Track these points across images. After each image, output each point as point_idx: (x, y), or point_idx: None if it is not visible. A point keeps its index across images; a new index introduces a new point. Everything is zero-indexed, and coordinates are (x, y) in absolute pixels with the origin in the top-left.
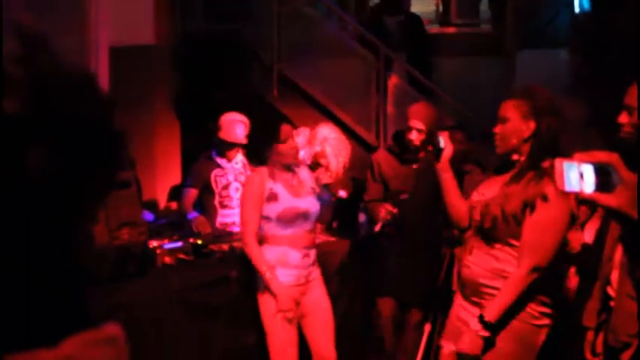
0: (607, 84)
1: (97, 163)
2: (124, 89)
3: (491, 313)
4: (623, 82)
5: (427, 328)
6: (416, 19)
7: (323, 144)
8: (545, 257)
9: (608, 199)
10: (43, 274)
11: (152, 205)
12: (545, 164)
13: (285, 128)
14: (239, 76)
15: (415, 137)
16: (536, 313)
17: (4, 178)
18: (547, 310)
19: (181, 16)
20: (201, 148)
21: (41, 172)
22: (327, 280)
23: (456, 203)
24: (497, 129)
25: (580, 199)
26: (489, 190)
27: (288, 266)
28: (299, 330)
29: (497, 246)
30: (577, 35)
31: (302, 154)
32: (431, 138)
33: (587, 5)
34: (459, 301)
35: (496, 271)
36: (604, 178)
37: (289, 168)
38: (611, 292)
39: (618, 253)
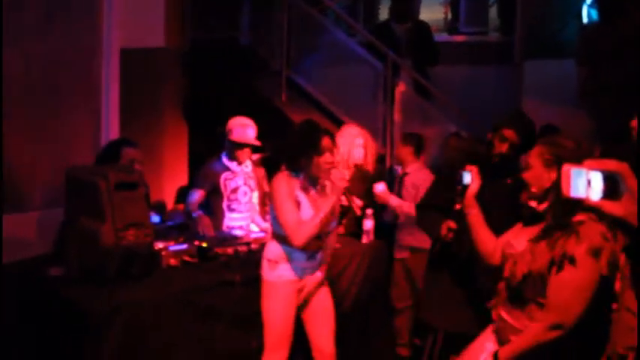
0: (614, 94)
1: None
2: (133, 90)
3: (504, 354)
4: (630, 92)
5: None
6: (424, 27)
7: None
8: (569, 316)
9: (614, 208)
10: None
11: (159, 207)
12: (575, 219)
13: (325, 141)
14: (247, 82)
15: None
16: None
17: None
18: None
19: (191, 22)
20: (208, 152)
21: None
22: (331, 282)
23: (484, 240)
24: (524, 174)
25: (586, 206)
26: (518, 242)
27: (291, 263)
28: (298, 323)
29: (528, 304)
30: (585, 46)
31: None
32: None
33: (595, 16)
34: (493, 346)
35: (523, 327)
36: (612, 186)
37: (315, 181)
38: (613, 304)
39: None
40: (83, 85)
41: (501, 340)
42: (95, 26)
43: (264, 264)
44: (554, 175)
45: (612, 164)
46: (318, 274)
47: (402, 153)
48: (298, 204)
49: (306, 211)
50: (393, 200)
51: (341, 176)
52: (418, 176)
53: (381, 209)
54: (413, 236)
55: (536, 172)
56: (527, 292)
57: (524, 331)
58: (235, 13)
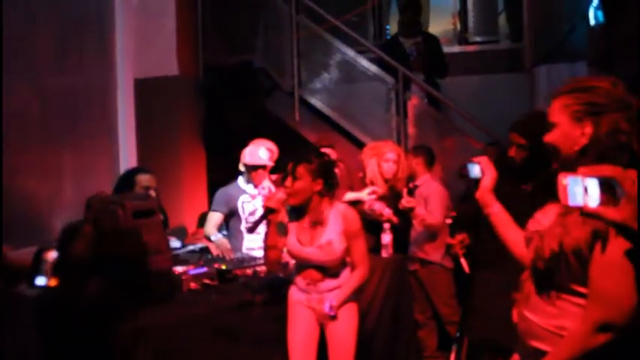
0: None
1: (135, 290)
2: (149, 119)
3: None
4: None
5: (455, 348)
6: (433, 40)
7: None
8: (621, 310)
9: (613, 213)
10: None
11: (180, 232)
12: None
13: (288, 166)
14: (261, 104)
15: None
16: None
17: (71, 298)
18: None
19: (203, 48)
20: (226, 175)
21: (97, 295)
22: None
23: (516, 240)
24: (547, 137)
25: (584, 214)
26: (548, 218)
27: (297, 286)
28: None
29: (557, 294)
30: (594, 47)
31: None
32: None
33: (601, 17)
34: None
35: (554, 329)
36: (608, 192)
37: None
38: None
39: None
40: (99, 118)
41: (523, 348)
42: (108, 59)
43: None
44: (588, 130)
45: (607, 170)
46: (325, 307)
47: (412, 165)
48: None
49: (290, 241)
50: (420, 210)
51: (270, 195)
52: (428, 188)
53: (407, 225)
54: (422, 249)
55: (563, 131)
56: (556, 276)
57: (562, 339)
58: (246, 36)
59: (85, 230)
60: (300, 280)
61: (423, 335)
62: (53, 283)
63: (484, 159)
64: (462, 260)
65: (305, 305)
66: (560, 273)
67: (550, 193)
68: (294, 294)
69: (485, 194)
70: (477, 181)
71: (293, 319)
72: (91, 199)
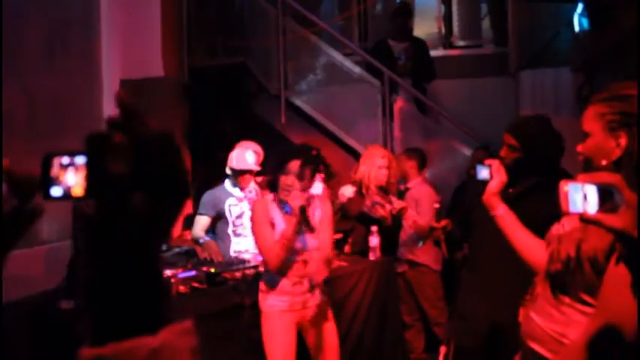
0: None
1: (175, 201)
2: None
3: None
4: None
5: (442, 350)
6: (421, 45)
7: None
8: (627, 327)
9: (612, 220)
10: (144, 281)
11: None
12: None
13: (293, 164)
14: (247, 106)
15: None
16: None
17: (116, 215)
18: None
19: (188, 49)
20: (212, 178)
21: (140, 209)
22: (338, 304)
23: (528, 244)
24: (579, 147)
25: (584, 220)
26: (572, 222)
27: (278, 293)
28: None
29: (566, 300)
30: (579, 53)
31: (313, 189)
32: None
33: (586, 24)
34: None
35: (556, 335)
36: (607, 198)
37: (285, 202)
38: None
39: None
40: (85, 118)
41: (522, 348)
42: (94, 60)
43: (260, 294)
44: (623, 142)
45: (606, 176)
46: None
47: (405, 167)
48: (273, 225)
49: (279, 231)
50: (411, 212)
51: (297, 196)
52: (419, 191)
53: (397, 227)
54: (410, 251)
55: (597, 141)
56: (567, 280)
57: (563, 348)
58: (232, 39)
59: (115, 140)
60: (284, 283)
61: (410, 337)
62: (77, 192)
63: (495, 162)
64: (442, 244)
65: (287, 311)
66: (573, 279)
67: (531, 201)
68: (276, 303)
69: (490, 197)
70: (484, 183)
71: (281, 329)
72: (120, 98)
